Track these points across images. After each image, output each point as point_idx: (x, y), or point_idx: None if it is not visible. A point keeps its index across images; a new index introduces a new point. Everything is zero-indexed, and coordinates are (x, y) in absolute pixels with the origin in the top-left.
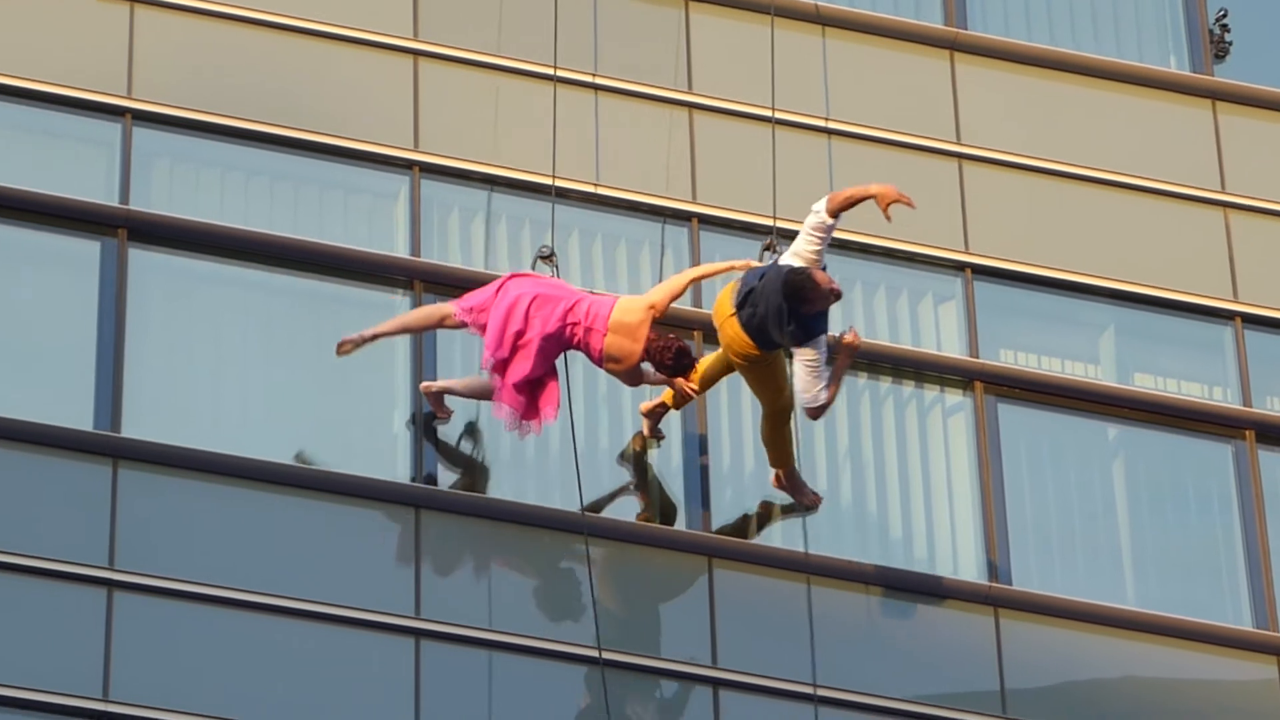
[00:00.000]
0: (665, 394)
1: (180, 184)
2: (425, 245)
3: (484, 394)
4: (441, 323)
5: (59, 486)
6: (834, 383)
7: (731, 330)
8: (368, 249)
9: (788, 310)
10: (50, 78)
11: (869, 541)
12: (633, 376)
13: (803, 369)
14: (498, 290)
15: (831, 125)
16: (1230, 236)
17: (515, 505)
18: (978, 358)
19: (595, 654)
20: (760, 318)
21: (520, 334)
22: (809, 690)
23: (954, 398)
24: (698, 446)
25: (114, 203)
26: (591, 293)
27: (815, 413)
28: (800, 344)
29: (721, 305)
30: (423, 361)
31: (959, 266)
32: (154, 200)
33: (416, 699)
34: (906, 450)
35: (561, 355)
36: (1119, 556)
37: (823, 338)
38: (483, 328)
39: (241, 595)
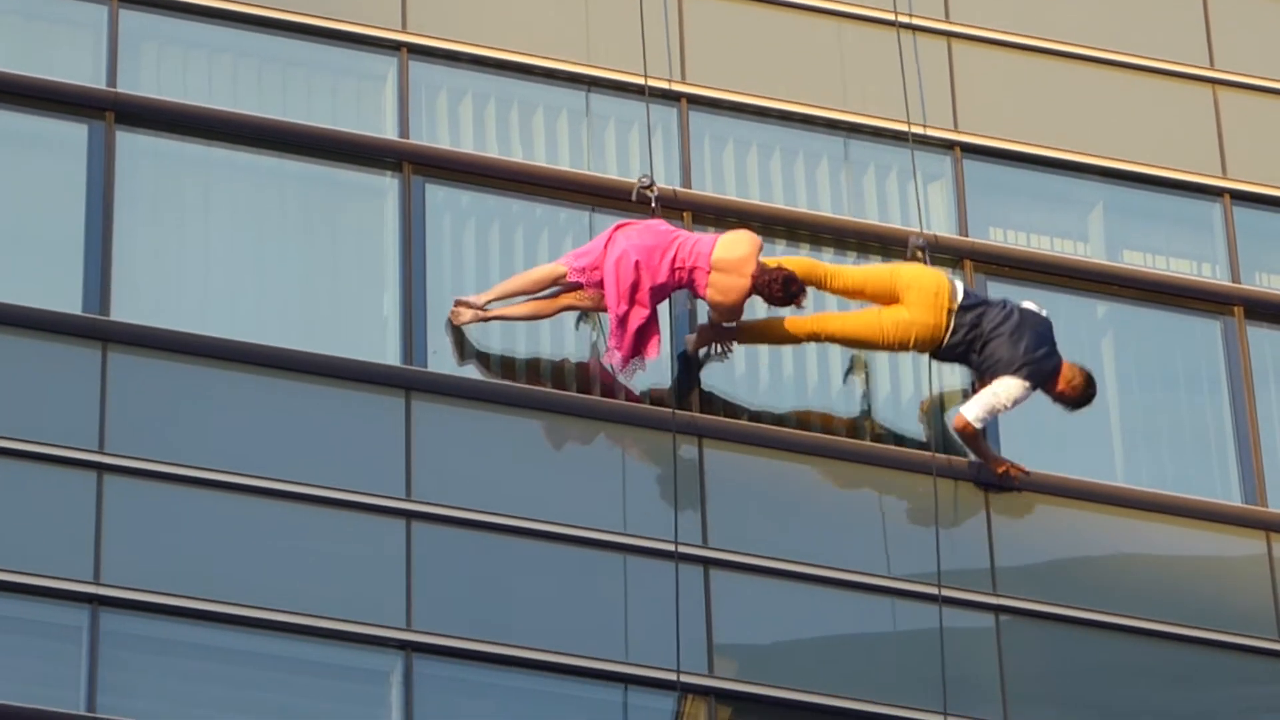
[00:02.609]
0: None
1: (168, 67)
2: (414, 127)
3: (534, 289)
4: (556, 282)
5: (48, 371)
6: (985, 451)
7: (935, 319)
8: (356, 131)
9: (1044, 374)
10: None
11: (860, 423)
12: (735, 312)
13: (993, 394)
14: (606, 244)
15: (825, 4)
16: (1219, 113)
17: (507, 388)
18: (967, 235)
19: (587, 534)
20: (977, 335)
21: (635, 288)
22: (803, 570)
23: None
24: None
25: (101, 85)
26: (691, 232)
27: (962, 429)
28: (1013, 376)
29: (945, 291)
30: (412, 242)
31: (948, 145)
32: (142, 83)
33: (408, 581)
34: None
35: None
36: (1108, 434)
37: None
38: (598, 285)
39: (232, 478)
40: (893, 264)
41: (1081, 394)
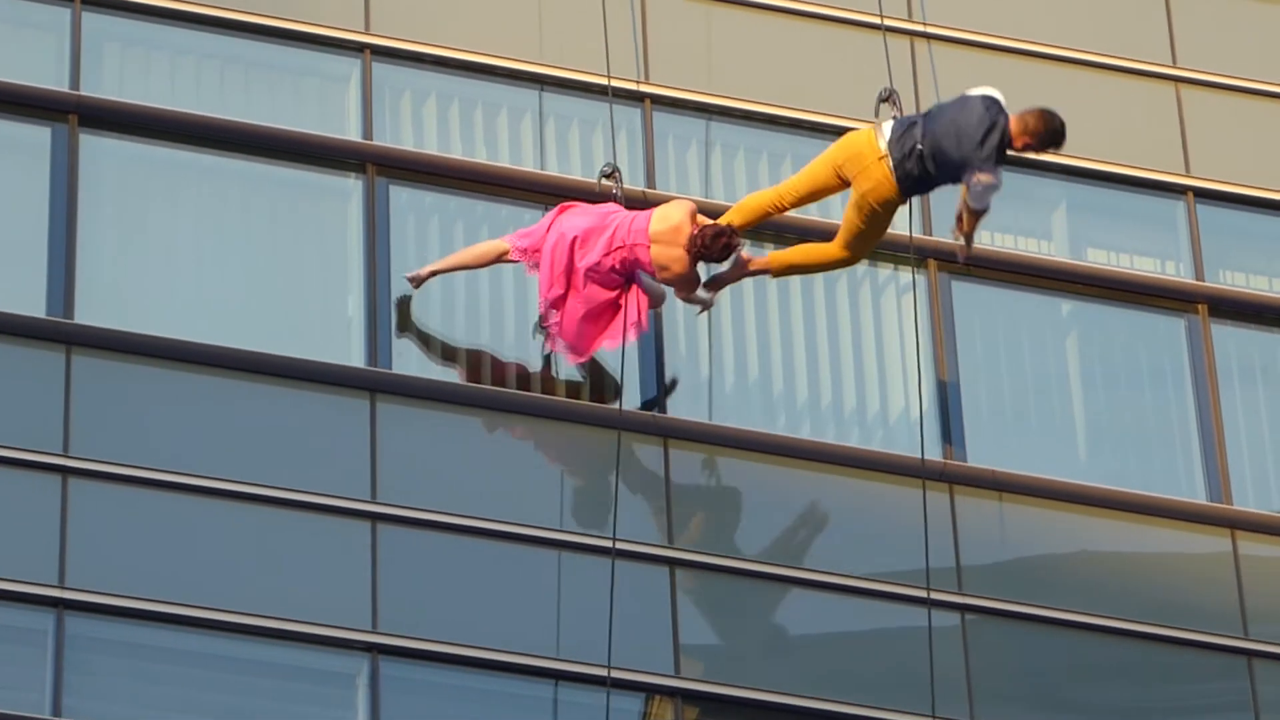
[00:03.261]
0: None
1: (131, 69)
2: (377, 128)
3: (477, 264)
4: (499, 259)
5: (12, 374)
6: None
7: (879, 173)
8: (320, 132)
9: (997, 143)
10: None
11: (824, 422)
12: (689, 280)
13: (980, 187)
14: (549, 226)
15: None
16: (1182, 111)
17: (470, 389)
18: (932, 235)
19: (553, 535)
20: (941, 156)
21: (568, 271)
22: (768, 569)
23: (907, 276)
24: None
25: (64, 88)
26: (632, 209)
27: (984, 196)
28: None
29: (867, 146)
30: (376, 243)
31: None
32: (105, 86)
33: (374, 583)
34: (861, 329)
35: (620, 278)
36: (1073, 432)
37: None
38: (536, 265)
39: (198, 481)
40: (828, 148)
41: (1046, 134)
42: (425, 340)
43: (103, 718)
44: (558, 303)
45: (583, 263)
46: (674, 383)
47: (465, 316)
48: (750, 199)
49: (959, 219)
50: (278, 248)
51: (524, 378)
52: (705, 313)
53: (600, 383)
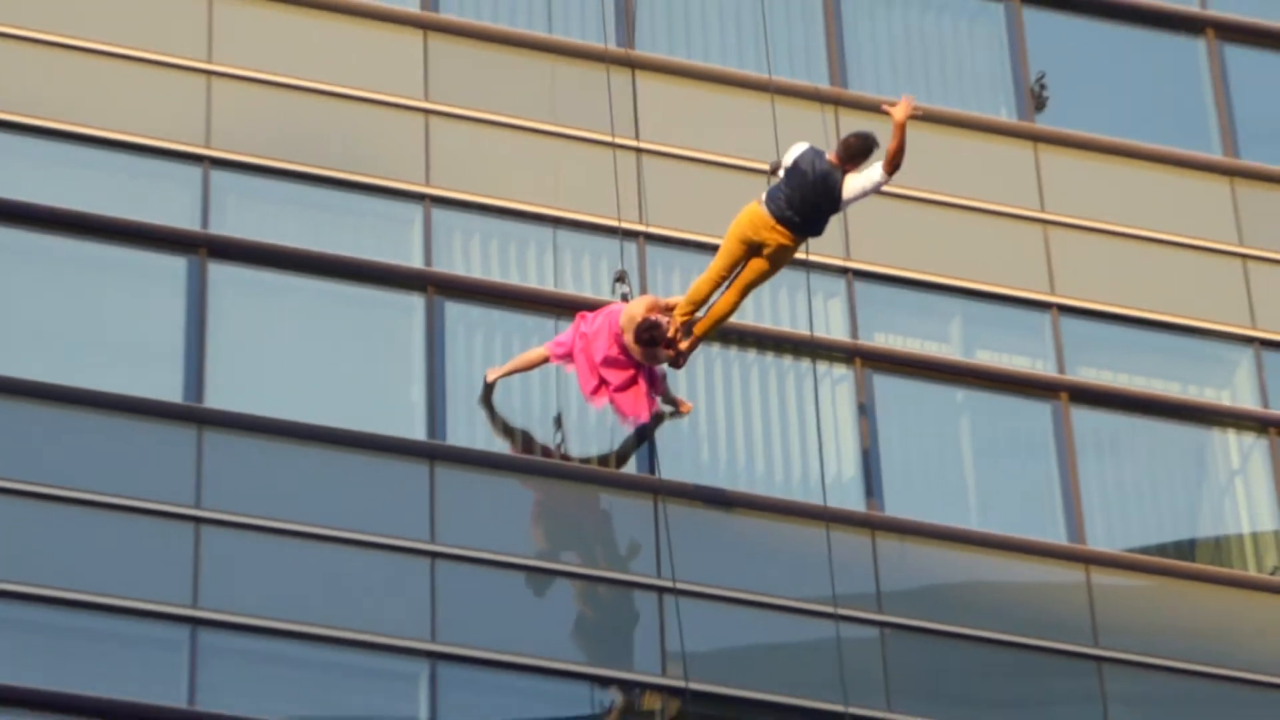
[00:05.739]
0: (700, 323)
1: (248, 213)
2: (436, 258)
3: (528, 368)
4: (545, 360)
5: (158, 444)
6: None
7: (778, 234)
8: (392, 261)
9: (841, 171)
10: (148, 132)
11: (774, 483)
12: (653, 359)
13: (859, 181)
14: (574, 333)
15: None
16: (1049, 246)
17: (512, 458)
18: (857, 339)
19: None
20: (807, 205)
21: (593, 368)
22: (742, 594)
23: (840, 370)
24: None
25: (197, 228)
26: (611, 306)
27: (895, 165)
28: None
29: (760, 218)
30: (434, 346)
31: (842, 271)
32: (228, 225)
33: (433, 607)
34: (804, 412)
35: (626, 359)
36: (965, 490)
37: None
38: (570, 365)
39: (296, 526)
40: (729, 229)
41: (847, 154)
42: (474, 421)
43: (229, 709)
44: (595, 393)
45: (598, 358)
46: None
47: (500, 403)
48: (693, 286)
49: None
50: (358, 350)
51: (545, 450)
52: (684, 413)
53: (606, 458)
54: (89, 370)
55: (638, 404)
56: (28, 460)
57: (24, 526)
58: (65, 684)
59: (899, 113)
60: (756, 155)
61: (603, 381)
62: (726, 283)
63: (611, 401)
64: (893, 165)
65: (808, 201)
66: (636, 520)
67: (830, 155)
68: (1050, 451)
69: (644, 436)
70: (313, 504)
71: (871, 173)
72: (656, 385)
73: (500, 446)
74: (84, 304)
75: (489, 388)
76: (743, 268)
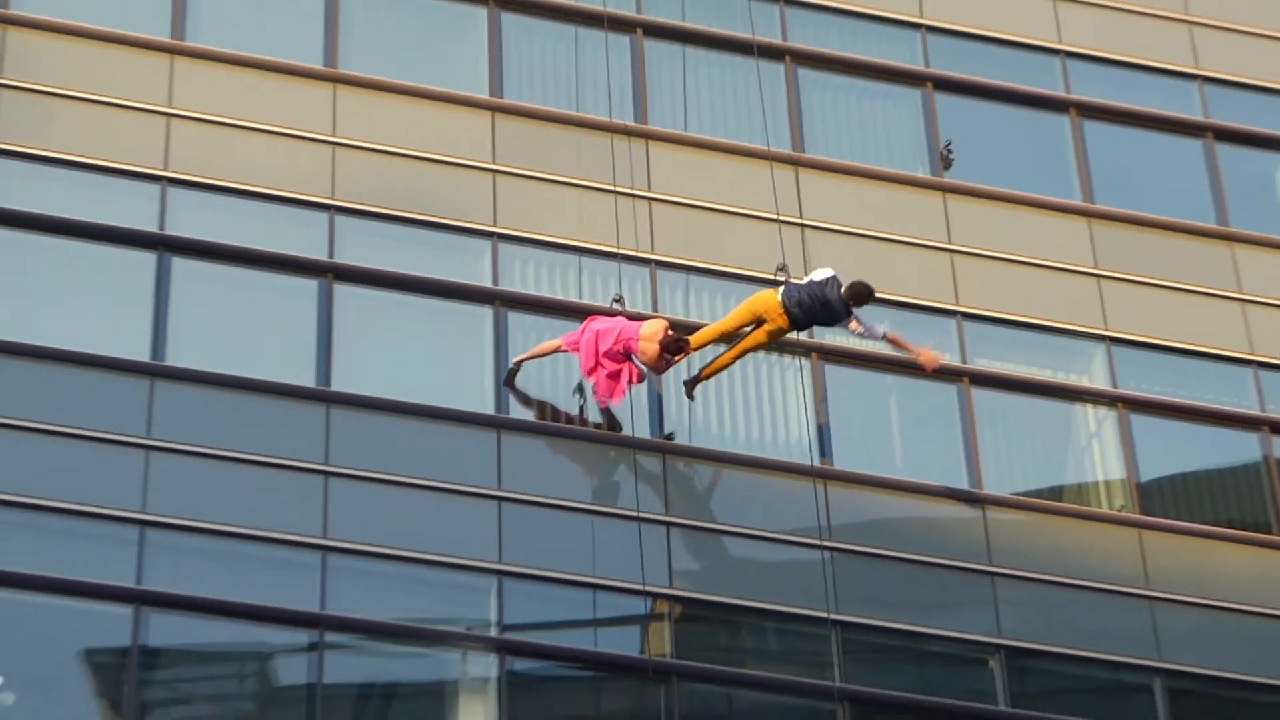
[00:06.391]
0: (707, 369)
1: (363, 247)
2: (501, 279)
3: (545, 354)
4: (557, 350)
5: (293, 419)
6: (895, 338)
7: (782, 319)
8: (470, 282)
9: (845, 304)
10: (288, 187)
11: (747, 444)
12: (654, 365)
13: (868, 329)
14: (583, 329)
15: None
16: (954, 269)
17: (568, 428)
18: (814, 339)
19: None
20: (809, 311)
21: (595, 355)
22: (740, 530)
23: (800, 361)
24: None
25: (325, 258)
26: (629, 320)
27: (866, 336)
28: (848, 318)
29: (774, 302)
30: (499, 346)
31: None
32: (347, 256)
33: (499, 532)
34: (774, 395)
35: (622, 356)
36: (893, 450)
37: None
38: (578, 352)
39: (403, 478)
40: (746, 301)
41: (853, 297)
42: (528, 401)
43: (356, 612)
44: (590, 372)
45: (602, 349)
46: (671, 435)
47: (533, 384)
48: (700, 332)
49: (893, 344)
50: (447, 351)
51: (565, 417)
52: (689, 397)
53: (624, 422)
54: (253, 365)
55: (615, 391)
56: (212, 430)
57: (207, 479)
58: (210, 591)
59: (925, 363)
60: (738, 203)
61: (598, 365)
62: (728, 345)
63: (596, 385)
64: (891, 342)
65: (809, 310)
66: (647, 473)
67: (844, 288)
68: (956, 421)
69: (615, 416)
70: (413, 462)
71: (876, 329)
72: (630, 381)
73: (521, 414)
74: (245, 310)
75: (513, 371)
76: (745, 335)
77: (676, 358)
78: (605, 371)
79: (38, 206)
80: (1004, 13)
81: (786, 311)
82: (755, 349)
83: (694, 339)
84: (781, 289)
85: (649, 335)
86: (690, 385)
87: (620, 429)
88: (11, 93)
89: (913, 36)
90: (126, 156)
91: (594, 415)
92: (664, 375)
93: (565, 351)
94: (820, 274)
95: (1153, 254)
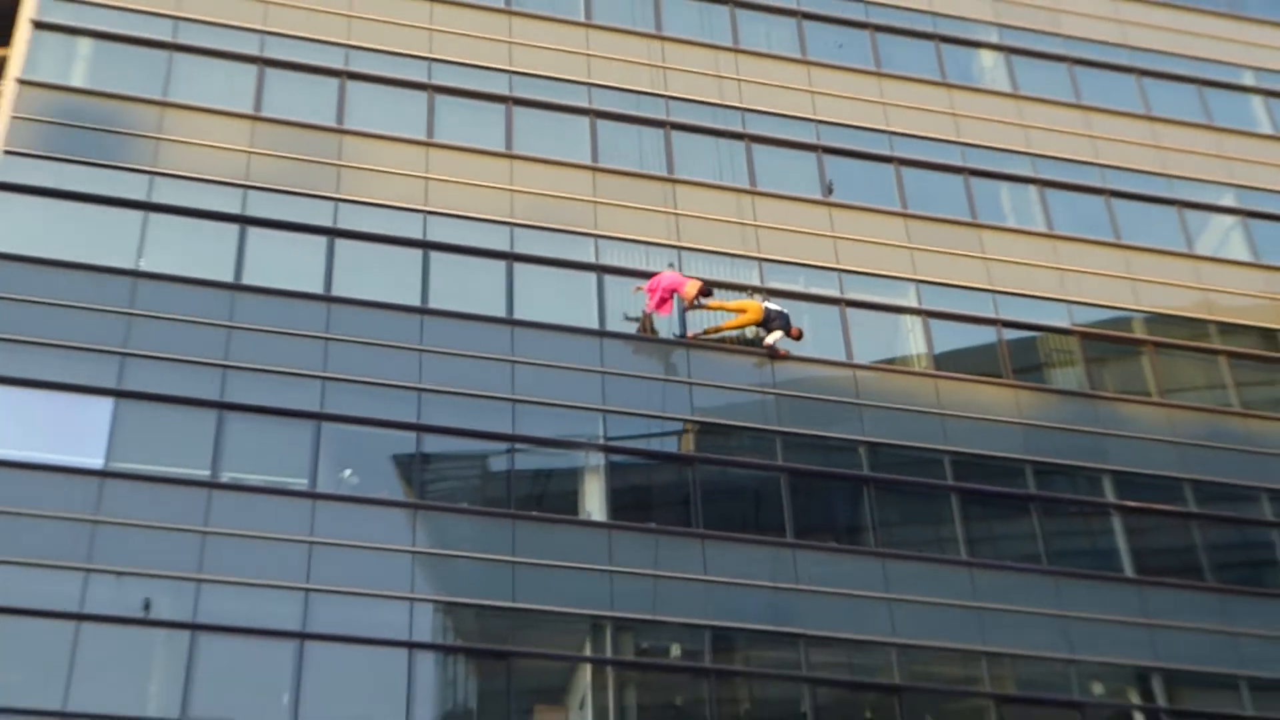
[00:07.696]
0: (725, 324)
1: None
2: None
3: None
4: (640, 289)
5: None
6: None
7: (758, 318)
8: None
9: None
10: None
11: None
12: (686, 301)
13: (771, 335)
14: (652, 280)
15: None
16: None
17: (635, 336)
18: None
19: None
20: (774, 320)
21: (659, 291)
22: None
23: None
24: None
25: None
26: (679, 275)
27: (772, 349)
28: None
29: (757, 306)
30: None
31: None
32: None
33: (603, 391)
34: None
35: (673, 295)
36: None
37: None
38: (652, 292)
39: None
40: (750, 303)
41: (699, 294)
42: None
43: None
44: (657, 305)
45: (665, 290)
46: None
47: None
48: (737, 306)
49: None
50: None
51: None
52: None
53: (659, 330)
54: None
55: (665, 308)
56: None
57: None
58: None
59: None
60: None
61: (663, 300)
62: (729, 323)
63: (659, 306)
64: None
65: (776, 314)
66: (677, 360)
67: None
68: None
69: (655, 324)
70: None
71: (774, 338)
72: (668, 307)
73: (627, 327)
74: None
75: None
76: (740, 318)
77: (704, 300)
78: (663, 302)
79: None
80: None
81: (765, 317)
82: (740, 328)
83: (735, 308)
84: (768, 300)
85: (689, 286)
86: (694, 336)
87: (658, 333)
88: None
89: None
90: None
91: (653, 324)
92: (680, 314)
93: (640, 290)
94: (775, 305)
95: None
